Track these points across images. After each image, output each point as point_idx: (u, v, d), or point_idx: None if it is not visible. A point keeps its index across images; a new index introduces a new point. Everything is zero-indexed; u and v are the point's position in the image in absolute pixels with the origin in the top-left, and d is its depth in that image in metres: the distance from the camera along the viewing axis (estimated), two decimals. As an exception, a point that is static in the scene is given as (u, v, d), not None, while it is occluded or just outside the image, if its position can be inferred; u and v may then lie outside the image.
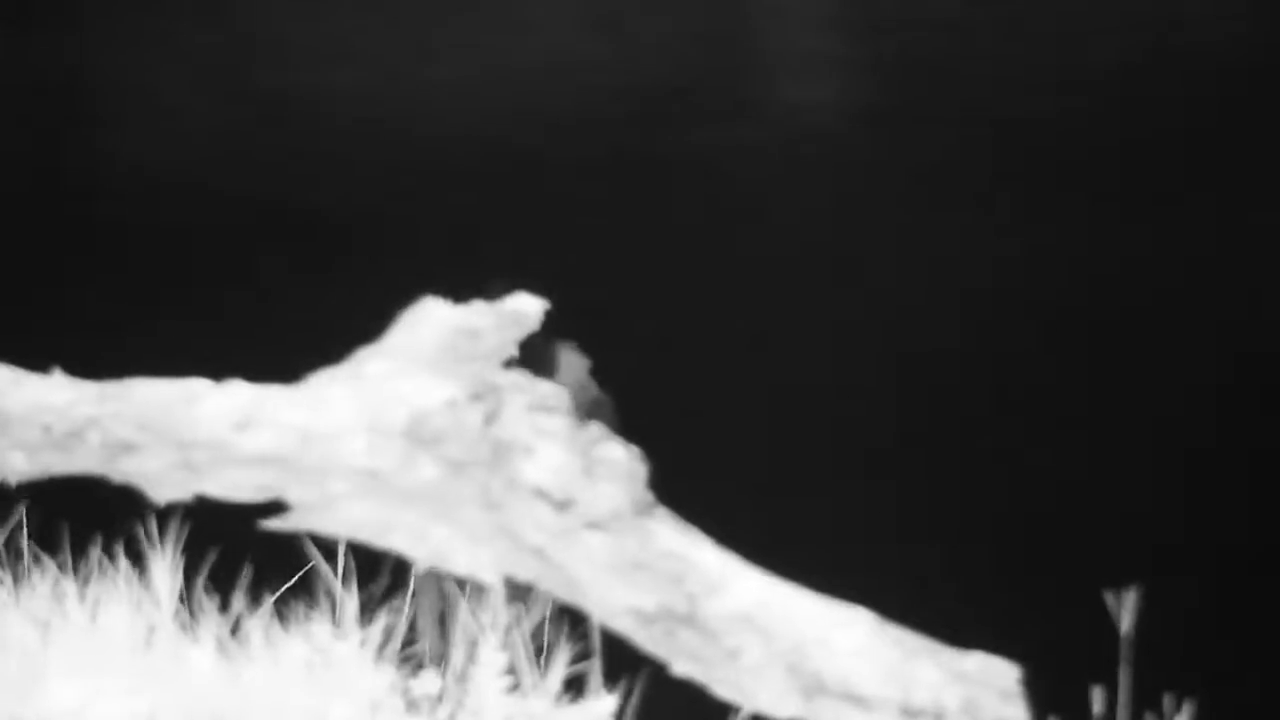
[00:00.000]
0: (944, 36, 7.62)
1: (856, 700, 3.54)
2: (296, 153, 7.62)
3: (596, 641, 3.73)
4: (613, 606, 3.69)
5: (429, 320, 3.98)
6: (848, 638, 3.60)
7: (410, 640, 3.94)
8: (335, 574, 3.86)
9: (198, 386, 3.94)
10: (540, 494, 3.74)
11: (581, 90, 7.67)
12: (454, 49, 7.68)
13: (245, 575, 3.97)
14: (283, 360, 4.07)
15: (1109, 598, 3.61)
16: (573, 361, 5.91)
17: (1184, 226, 7.47)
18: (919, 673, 3.55)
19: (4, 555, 4.02)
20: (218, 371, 3.98)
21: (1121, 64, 7.58)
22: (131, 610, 3.88)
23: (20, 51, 7.82)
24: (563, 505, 3.72)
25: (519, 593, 3.82)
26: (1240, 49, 7.60)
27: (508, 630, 3.78)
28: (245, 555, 3.95)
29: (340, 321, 4.18)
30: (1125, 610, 3.61)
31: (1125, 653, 3.61)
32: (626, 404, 5.71)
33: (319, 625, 3.84)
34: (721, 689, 3.61)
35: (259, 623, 3.87)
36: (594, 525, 3.71)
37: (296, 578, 3.96)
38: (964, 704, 3.50)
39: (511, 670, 3.78)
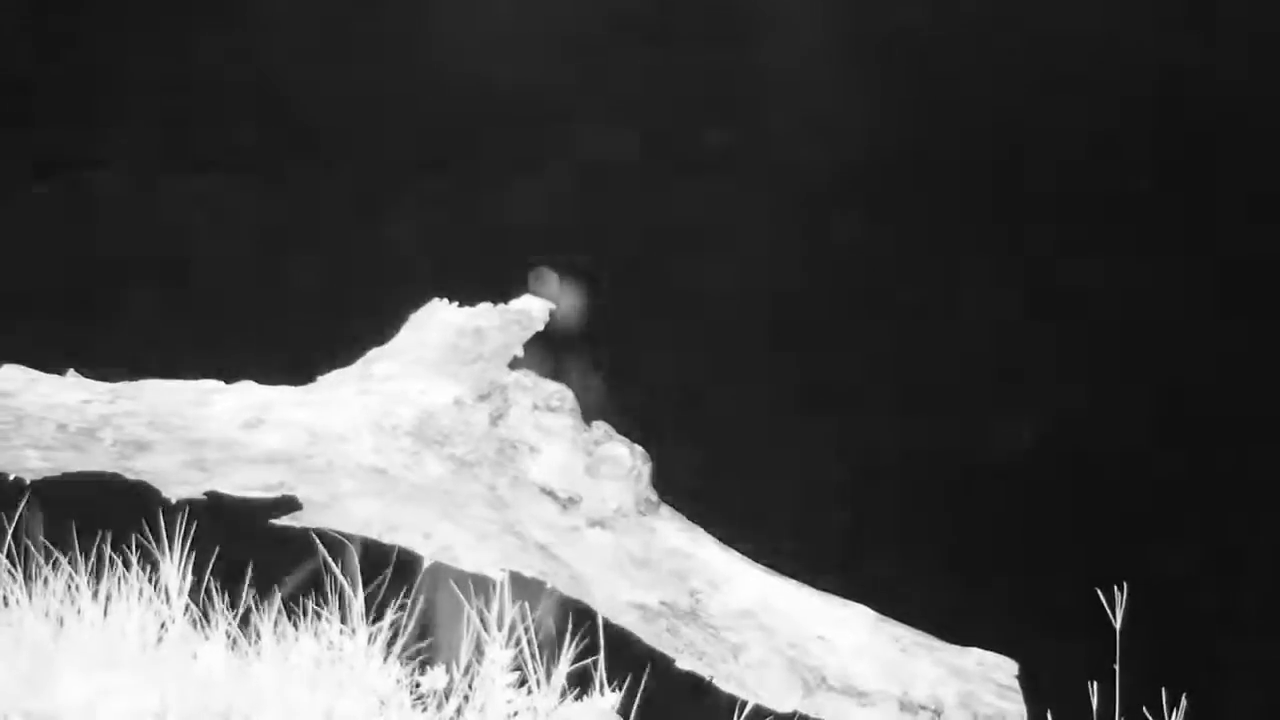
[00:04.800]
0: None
1: (857, 695, 3.58)
2: (301, 154, 7.65)
3: (601, 637, 3.77)
4: (617, 603, 3.73)
5: (436, 321, 4.00)
6: (848, 634, 3.64)
7: (418, 636, 3.97)
8: (344, 571, 3.89)
9: (209, 386, 3.98)
10: (545, 492, 3.78)
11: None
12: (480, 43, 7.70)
13: (255, 572, 4.00)
14: (292, 360, 4.10)
15: (1102, 595, 3.66)
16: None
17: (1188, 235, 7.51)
18: (918, 668, 3.59)
19: (17, 551, 4.06)
20: (228, 372, 4.02)
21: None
22: (143, 607, 3.91)
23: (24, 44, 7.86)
24: (568, 503, 3.77)
25: (524, 589, 3.86)
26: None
27: (513, 627, 3.81)
28: (255, 552, 3.98)
29: (348, 322, 4.21)
30: (1118, 607, 3.65)
31: (1120, 649, 3.65)
32: (629, 404, 5.74)
33: (328, 622, 3.87)
34: (724, 684, 3.66)
35: (269, 619, 3.90)
36: (598, 523, 3.75)
37: (305, 575, 3.99)
38: (962, 699, 3.55)
39: (517, 666, 3.81)
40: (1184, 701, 3.67)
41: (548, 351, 4.55)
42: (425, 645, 3.95)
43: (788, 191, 7.44)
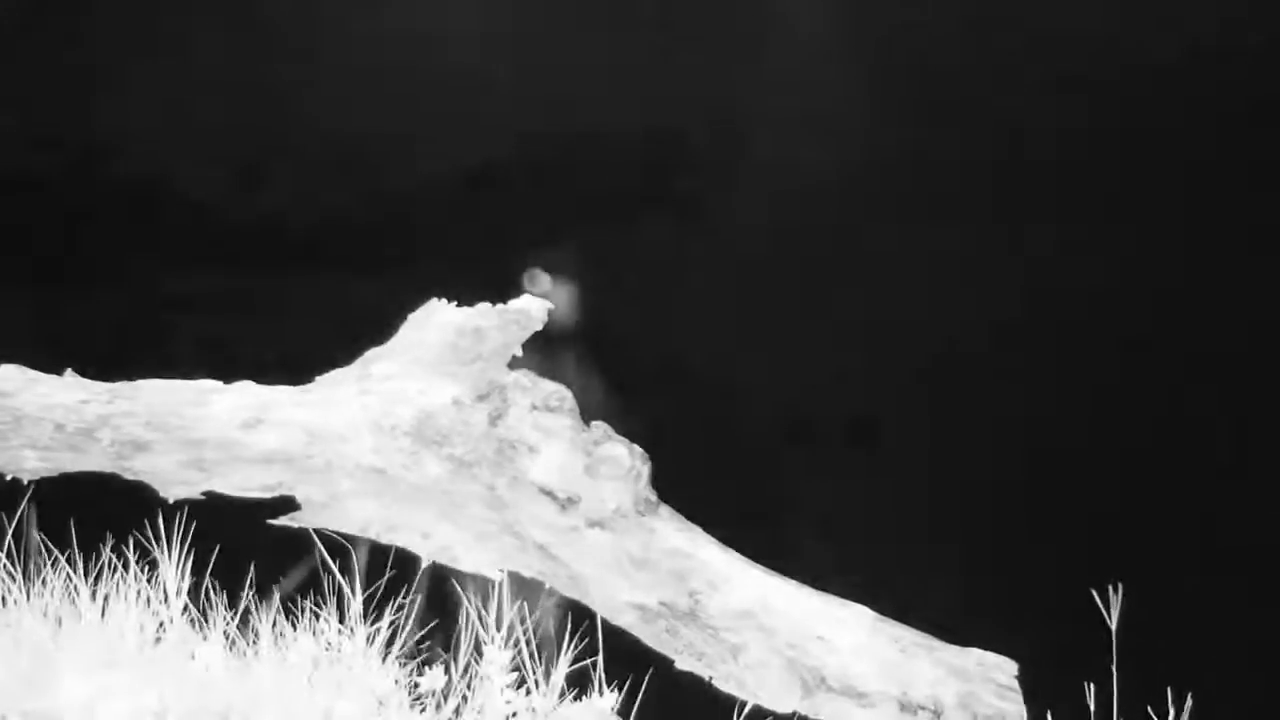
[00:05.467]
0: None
1: (856, 696, 3.58)
2: (303, 154, 7.65)
3: (600, 638, 3.77)
4: (616, 603, 3.73)
5: (435, 321, 4.01)
6: (847, 635, 3.64)
7: (416, 637, 3.97)
8: (342, 571, 3.89)
9: (207, 386, 3.98)
10: (544, 492, 3.78)
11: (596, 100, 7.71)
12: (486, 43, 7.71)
13: (253, 572, 4.00)
14: (291, 360, 4.10)
15: (1097, 596, 3.65)
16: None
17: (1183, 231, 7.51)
18: (917, 669, 3.59)
19: (16, 552, 4.06)
20: (227, 372, 4.02)
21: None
22: (142, 607, 3.92)
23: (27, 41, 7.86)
24: (567, 504, 3.77)
25: (523, 590, 3.86)
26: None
27: (512, 627, 3.82)
28: (253, 553, 3.98)
29: (348, 322, 4.21)
30: (1113, 607, 3.65)
31: (1115, 648, 3.65)
32: (629, 403, 5.74)
33: (326, 622, 3.87)
34: (724, 685, 3.66)
35: (267, 619, 3.90)
36: (597, 523, 3.75)
37: (304, 575, 3.99)
38: (962, 699, 3.55)
39: (516, 667, 3.81)
40: (1184, 702, 3.67)
41: (547, 351, 4.56)
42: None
43: (788, 191, 7.45)
